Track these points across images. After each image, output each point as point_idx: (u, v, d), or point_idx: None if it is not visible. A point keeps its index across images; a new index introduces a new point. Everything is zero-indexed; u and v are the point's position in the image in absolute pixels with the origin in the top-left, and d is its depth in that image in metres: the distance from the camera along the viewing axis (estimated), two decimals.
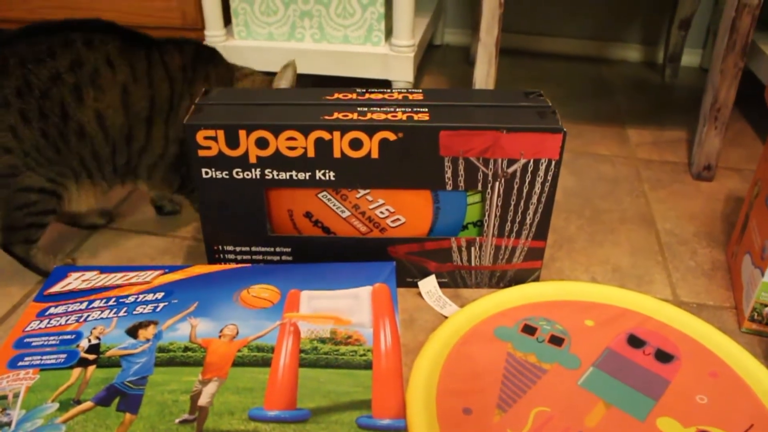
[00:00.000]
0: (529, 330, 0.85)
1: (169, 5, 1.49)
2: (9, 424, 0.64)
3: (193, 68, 0.94)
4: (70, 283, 0.84)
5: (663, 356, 0.81)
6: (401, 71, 1.38)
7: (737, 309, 0.91)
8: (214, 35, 1.42)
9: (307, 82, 1.58)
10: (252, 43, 1.42)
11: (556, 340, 0.83)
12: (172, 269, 0.85)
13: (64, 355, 0.72)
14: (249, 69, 1.04)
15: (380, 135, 0.80)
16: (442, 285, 0.93)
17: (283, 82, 0.98)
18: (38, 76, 0.84)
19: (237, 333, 0.74)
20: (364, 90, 0.89)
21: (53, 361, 0.71)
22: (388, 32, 1.41)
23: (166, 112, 0.92)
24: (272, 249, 0.89)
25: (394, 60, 1.36)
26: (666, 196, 1.19)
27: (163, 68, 0.92)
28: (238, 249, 0.90)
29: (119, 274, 0.85)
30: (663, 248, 1.05)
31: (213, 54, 0.99)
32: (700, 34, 1.86)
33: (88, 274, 0.85)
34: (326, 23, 1.38)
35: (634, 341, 0.84)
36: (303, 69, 1.41)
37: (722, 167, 1.31)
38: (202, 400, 0.66)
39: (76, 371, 0.70)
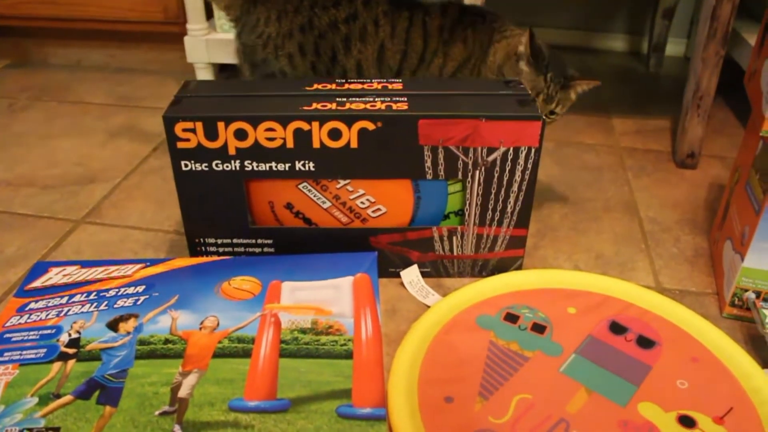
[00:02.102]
0: (511, 318, 0.85)
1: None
2: None
3: (450, 30, 1.02)
4: (50, 278, 0.83)
5: (645, 342, 0.82)
6: None
7: (719, 295, 0.92)
8: (195, 29, 1.41)
9: None
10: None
11: (539, 328, 0.83)
12: (153, 262, 0.85)
13: (44, 350, 0.72)
14: (509, 31, 1.04)
15: (359, 125, 0.80)
16: (424, 275, 0.93)
17: (521, 48, 0.99)
18: (320, 19, 1.01)
19: (218, 325, 0.74)
20: (344, 80, 0.89)
21: (33, 356, 0.71)
22: None
23: (415, 65, 1.03)
24: (254, 241, 0.89)
25: None
26: (650, 184, 1.20)
27: (422, 28, 1.02)
28: (219, 242, 0.89)
29: (100, 269, 0.84)
30: (646, 236, 1.05)
31: (476, 19, 1.04)
32: (685, 24, 1.87)
33: (69, 269, 0.85)
34: None
35: (616, 328, 0.84)
36: None
37: (706, 155, 1.31)
38: (182, 392, 0.66)
39: (56, 365, 0.70)
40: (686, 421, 0.71)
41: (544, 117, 0.88)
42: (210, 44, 1.42)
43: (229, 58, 1.44)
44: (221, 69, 1.65)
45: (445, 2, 1.05)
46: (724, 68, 1.18)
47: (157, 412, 0.64)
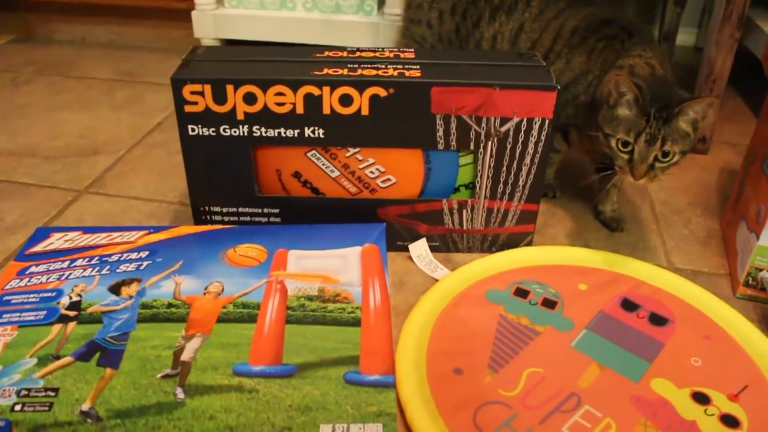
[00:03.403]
0: (521, 293, 0.83)
1: None
2: None
3: (582, 36, 0.94)
4: (52, 243, 0.82)
5: (657, 320, 0.80)
6: (394, 40, 1.35)
7: (731, 276, 0.90)
8: (204, 3, 1.40)
9: None
10: (243, 12, 1.40)
11: (549, 303, 0.82)
12: (157, 229, 0.83)
13: (44, 312, 0.70)
14: (640, 56, 0.88)
15: (371, 91, 0.78)
16: (433, 249, 0.91)
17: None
18: None
19: (222, 290, 0.72)
20: (355, 48, 0.87)
21: (32, 318, 0.69)
22: (381, 1, 1.39)
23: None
24: (260, 210, 0.87)
25: (386, 29, 1.34)
26: None
27: (560, 26, 0.96)
28: (224, 210, 0.87)
29: (103, 234, 0.83)
30: (657, 217, 1.03)
31: (617, 33, 0.92)
32: (695, 13, 1.85)
33: (71, 234, 0.83)
34: None
35: (628, 305, 0.82)
36: (294, 38, 1.39)
37: (717, 141, 1.29)
38: (185, 356, 0.64)
39: (56, 327, 0.68)
40: (700, 397, 0.70)
41: (652, 164, 0.80)
42: (218, 19, 1.41)
43: (237, 34, 1.42)
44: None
45: (591, 10, 0.97)
46: (737, 58, 1.16)
47: (158, 375, 0.62)
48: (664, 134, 0.79)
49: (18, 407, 0.59)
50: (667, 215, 1.04)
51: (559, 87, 0.79)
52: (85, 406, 0.59)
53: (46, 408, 0.59)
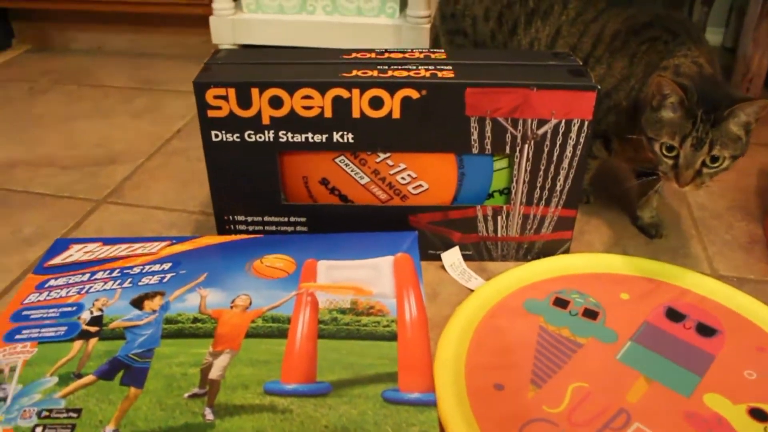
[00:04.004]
0: (561, 303, 0.79)
1: None
2: (5, 399, 0.59)
3: (623, 41, 0.88)
4: (71, 255, 0.79)
5: (705, 330, 0.76)
6: (417, 43, 1.32)
7: None
8: (222, 8, 1.37)
9: None
10: (262, 17, 1.37)
11: (591, 314, 0.78)
12: (180, 240, 0.80)
13: (65, 328, 0.67)
14: (686, 55, 0.83)
15: (402, 93, 0.74)
16: (466, 258, 0.87)
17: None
18: None
19: (250, 303, 0.69)
20: (384, 49, 0.83)
21: (52, 334, 0.66)
22: (403, 4, 1.36)
23: None
24: (286, 219, 0.84)
25: (409, 31, 1.31)
26: None
27: (600, 29, 0.90)
28: (249, 219, 0.84)
29: (123, 246, 0.80)
30: (696, 222, 0.99)
31: (661, 35, 0.87)
32: (723, 12, 1.81)
33: (91, 246, 0.80)
34: None
35: (673, 315, 0.78)
36: (314, 43, 1.36)
37: (754, 143, 1.24)
38: (214, 373, 0.61)
39: (77, 344, 0.65)
40: (758, 414, 0.66)
41: (699, 169, 0.75)
42: (236, 24, 1.38)
43: (256, 39, 1.39)
44: None
45: (634, 9, 0.91)
46: None
47: (186, 395, 0.59)
48: (713, 138, 0.74)
49: (39, 429, 0.56)
50: (707, 220, 1.00)
51: (599, 87, 0.75)
52: (110, 428, 0.56)
53: (69, 430, 0.56)
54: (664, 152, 0.77)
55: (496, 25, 0.97)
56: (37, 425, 0.56)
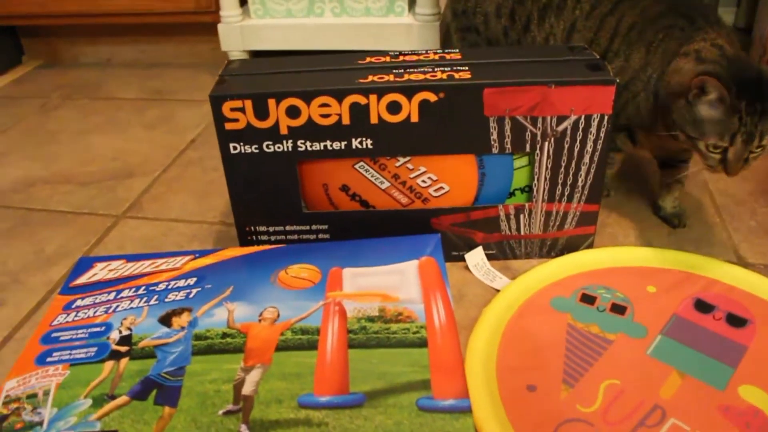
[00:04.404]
0: (587, 299, 0.79)
1: None
2: (41, 423, 0.59)
3: (639, 31, 0.87)
4: (96, 274, 0.79)
5: (735, 320, 0.75)
6: (427, 41, 1.32)
7: None
8: (229, 15, 1.37)
9: None
10: (270, 22, 1.37)
11: (619, 309, 0.77)
12: (203, 254, 0.80)
13: (95, 349, 0.67)
14: (704, 39, 0.81)
15: (420, 96, 0.74)
16: (489, 257, 0.87)
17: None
18: None
19: (278, 316, 0.69)
20: (398, 52, 0.83)
21: (83, 356, 0.66)
22: (411, 2, 1.35)
23: None
24: (308, 227, 0.84)
25: (419, 30, 1.31)
26: None
27: (616, 22, 0.89)
28: (271, 229, 0.84)
29: (147, 262, 0.80)
30: (719, 209, 0.98)
31: (677, 22, 0.85)
32: None
33: (115, 264, 0.80)
34: None
35: (702, 306, 0.78)
36: (324, 45, 1.36)
37: None
38: (247, 389, 0.61)
39: (108, 365, 0.65)
40: None
41: (746, 158, 0.74)
42: (245, 31, 1.38)
43: (265, 44, 1.39)
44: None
45: (664, 6, 0.87)
46: None
47: (220, 412, 0.59)
48: (762, 130, 0.72)
49: None
50: (730, 206, 0.99)
51: (617, 80, 0.74)
52: None
53: None
54: (711, 150, 0.75)
55: (509, 22, 0.97)
56: None
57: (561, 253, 0.87)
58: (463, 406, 0.58)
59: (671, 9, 0.86)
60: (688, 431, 0.63)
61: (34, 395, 0.62)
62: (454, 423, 0.57)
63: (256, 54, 1.47)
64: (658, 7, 0.87)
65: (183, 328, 0.68)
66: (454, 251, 0.87)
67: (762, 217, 0.96)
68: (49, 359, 0.67)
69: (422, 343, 0.65)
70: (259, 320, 0.68)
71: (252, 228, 0.84)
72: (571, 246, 0.87)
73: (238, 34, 1.39)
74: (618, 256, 0.86)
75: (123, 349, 0.67)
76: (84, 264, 0.81)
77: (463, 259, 0.87)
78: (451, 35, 1.06)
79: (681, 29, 0.83)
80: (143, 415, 0.59)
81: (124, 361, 0.65)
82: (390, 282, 0.73)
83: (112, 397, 0.61)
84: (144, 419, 0.59)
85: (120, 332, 0.69)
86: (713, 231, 0.94)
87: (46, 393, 0.62)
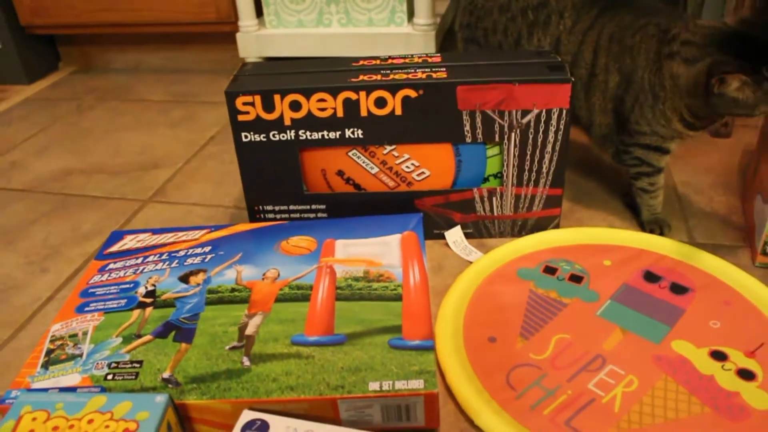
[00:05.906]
0: (550, 270, 0.90)
1: (205, 0, 1.57)
2: (81, 355, 0.72)
3: (618, 40, 0.92)
4: (126, 244, 0.92)
5: (678, 289, 0.86)
6: (424, 49, 1.44)
7: (750, 246, 0.95)
8: (247, 25, 1.50)
9: None
10: (283, 31, 1.50)
11: (576, 278, 0.89)
12: (217, 228, 0.93)
13: (125, 300, 0.80)
14: (676, 25, 0.87)
15: (402, 93, 0.86)
16: (467, 235, 0.99)
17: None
18: (517, 2, 1.03)
19: (278, 276, 0.81)
20: (387, 56, 0.96)
21: (115, 305, 0.79)
22: (410, 13, 1.47)
23: (586, 78, 0.97)
24: (308, 207, 0.97)
25: (416, 38, 1.43)
26: (683, 153, 1.23)
27: (597, 34, 0.95)
28: (276, 208, 0.97)
29: (169, 234, 0.93)
30: (680, 198, 1.09)
31: (649, 21, 0.91)
32: (718, 4, 1.88)
33: (142, 236, 0.93)
34: (351, 8, 1.46)
35: (651, 277, 0.89)
36: (331, 52, 1.48)
37: (739, 124, 1.34)
38: (249, 330, 0.73)
39: (136, 312, 0.78)
40: (718, 355, 0.76)
41: None
42: (260, 39, 1.51)
43: (278, 51, 1.52)
44: None
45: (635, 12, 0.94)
46: None
47: (227, 347, 0.71)
48: None
49: (110, 377, 0.69)
50: (690, 195, 1.10)
51: (573, 79, 0.86)
52: (166, 374, 0.69)
53: (133, 377, 0.69)
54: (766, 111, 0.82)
55: (503, 37, 1.06)
56: (108, 374, 0.69)
57: (531, 232, 0.99)
58: (427, 345, 0.70)
59: (640, 13, 0.93)
60: (623, 375, 0.74)
61: (75, 335, 0.75)
62: (418, 357, 0.69)
63: (269, 60, 1.60)
64: (629, 15, 0.94)
65: (198, 284, 0.81)
66: (435, 229, 0.98)
67: (717, 204, 1.07)
68: (87, 309, 0.79)
69: (398, 298, 0.77)
70: (263, 279, 0.81)
71: (260, 207, 0.97)
72: (540, 226, 0.98)
73: (255, 43, 1.52)
74: (581, 235, 0.97)
75: (148, 300, 0.79)
76: (116, 236, 0.94)
77: (444, 237, 0.99)
78: (457, 44, 1.18)
79: (655, 25, 0.90)
80: (164, 349, 0.72)
81: (149, 309, 0.78)
82: (376, 251, 0.85)
83: (139, 336, 0.74)
84: (165, 352, 0.71)
85: (146, 288, 0.81)
86: (671, 216, 1.04)
87: (85, 333, 0.75)
